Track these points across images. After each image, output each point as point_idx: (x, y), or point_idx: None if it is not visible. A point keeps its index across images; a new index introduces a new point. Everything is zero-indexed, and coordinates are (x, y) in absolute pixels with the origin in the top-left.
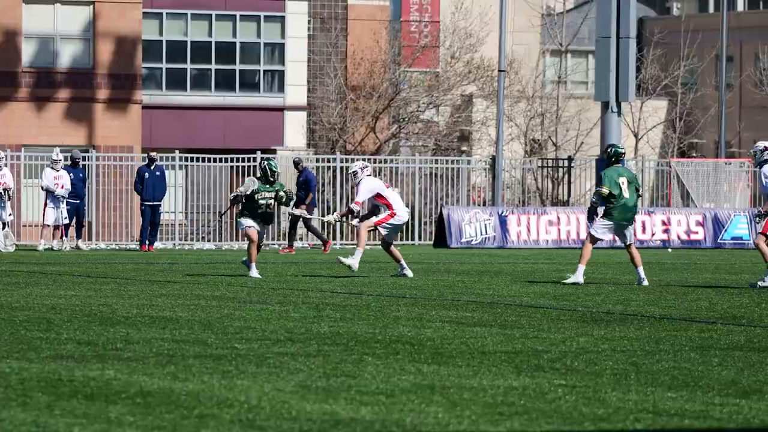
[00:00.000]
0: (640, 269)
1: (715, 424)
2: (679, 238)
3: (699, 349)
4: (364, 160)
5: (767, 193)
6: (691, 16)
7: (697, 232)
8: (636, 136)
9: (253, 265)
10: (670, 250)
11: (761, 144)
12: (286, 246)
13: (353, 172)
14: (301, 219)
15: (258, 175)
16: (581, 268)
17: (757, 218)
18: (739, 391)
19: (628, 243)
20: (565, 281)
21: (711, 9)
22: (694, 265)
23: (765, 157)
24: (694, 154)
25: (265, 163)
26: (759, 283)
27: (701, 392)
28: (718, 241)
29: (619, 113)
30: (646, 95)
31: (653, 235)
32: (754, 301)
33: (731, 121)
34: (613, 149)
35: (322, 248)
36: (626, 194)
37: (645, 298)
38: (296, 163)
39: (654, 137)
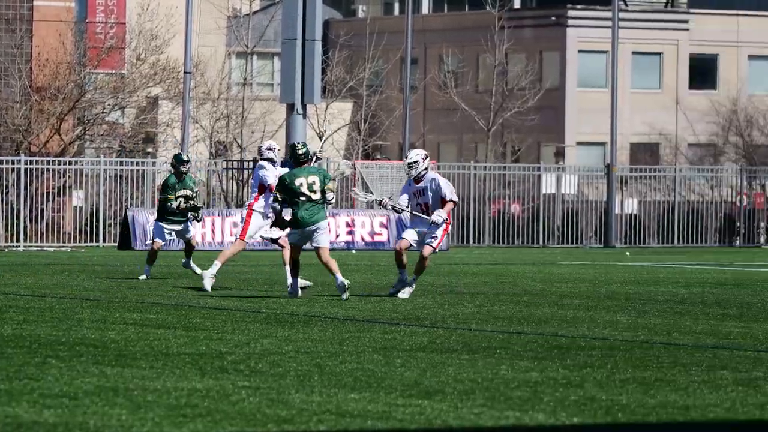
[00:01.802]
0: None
1: (397, 425)
2: (363, 239)
3: (382, 350)
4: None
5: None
6: (377, 18)
7: (381, 234)
8: (321, 138)
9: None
10: (354, 251)
11: (421, 152)
12: None
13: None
14: None
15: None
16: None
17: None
18: (422, 392)
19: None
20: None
21: (396, 11)
22: (378, 266)
23: (426, 165)
24: (379, 156)
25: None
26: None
27: (384, 393)
28: None
29: (305, 115)
30: (331, 97)
31: (337, 236)
32: (437, 302)
33: (416, 123)
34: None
35: None
36: None
37: (329, 299)
38: None
39: (339, 139)
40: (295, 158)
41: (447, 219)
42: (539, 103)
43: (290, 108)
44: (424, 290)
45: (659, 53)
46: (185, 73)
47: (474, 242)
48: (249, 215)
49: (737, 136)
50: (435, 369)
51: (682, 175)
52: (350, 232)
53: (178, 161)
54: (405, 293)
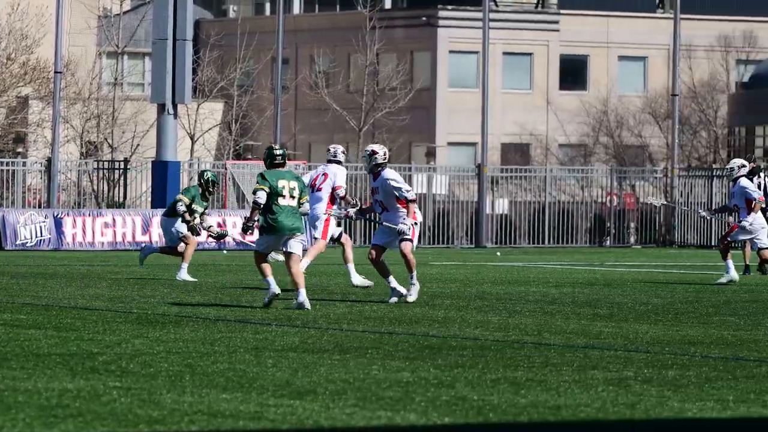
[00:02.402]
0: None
1: (269, 425)
2: (234, 240)
3: (254, 350)
4: None
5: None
6: (248, 18)
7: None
8: (192, 138)
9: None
10: (225, 251)
11: (376, 147)
12: None
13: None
14: None
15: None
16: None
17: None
18: (293, 392)
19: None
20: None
21: (267, 12)
22: (249, 266)
23: (378, 161)
24: (250, 156)
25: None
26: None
27: (256, 393)
28: None
29: (176, 115)
30: (202, 97)
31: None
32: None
33: (287, 123)
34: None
35: None
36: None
37: (200, 299)
38: None
39: (210, 139)
40: (272, 159)
41: (414, 221)
42: (410, 103)
43: (161, 108)
44: (295, 291)
45: (530, 54)
46: (56, 72)
47: None
48: (327, 220)
49: (607, 137)
50: (306, 369)
51: (552, 175)
52: None
53: (212, 183)
54: (412, 296)
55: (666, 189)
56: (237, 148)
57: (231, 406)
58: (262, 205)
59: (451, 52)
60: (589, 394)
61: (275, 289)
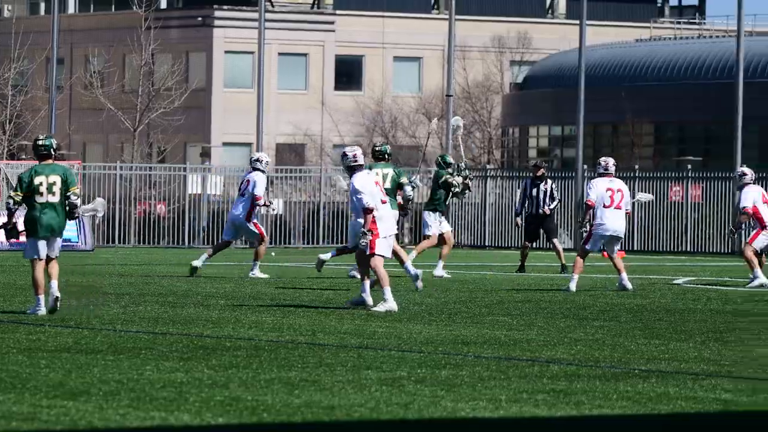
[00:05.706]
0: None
1: (43, 426)
2: None
3: (26, 351)
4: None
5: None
6: (23, 18)
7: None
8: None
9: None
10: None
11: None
12: None
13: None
14: None
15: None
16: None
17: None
18: (67, 393)
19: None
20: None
21: (42, 11)
22: (22, 267)
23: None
24: (24, 156)
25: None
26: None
27: (29, 394)
28: None
29: None
30: None
31: None
32: (81, 303)
33: (61, 123)
34: None
35: None
36: None
37: None
38: None
39: None
40: (36, 152)
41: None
42: (186, 103)
43: None
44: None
45: (305, 54)
46: None
47: (119, 242)
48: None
49: (382, 137)
50: (80, 370)
51: (327, 175)
52: None
53: None
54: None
55: None
56: (11, 147)
57: (4, 408)
58: (14, 210)
59: (226, 52)
60: (362, 394)
61: (42, 309)
